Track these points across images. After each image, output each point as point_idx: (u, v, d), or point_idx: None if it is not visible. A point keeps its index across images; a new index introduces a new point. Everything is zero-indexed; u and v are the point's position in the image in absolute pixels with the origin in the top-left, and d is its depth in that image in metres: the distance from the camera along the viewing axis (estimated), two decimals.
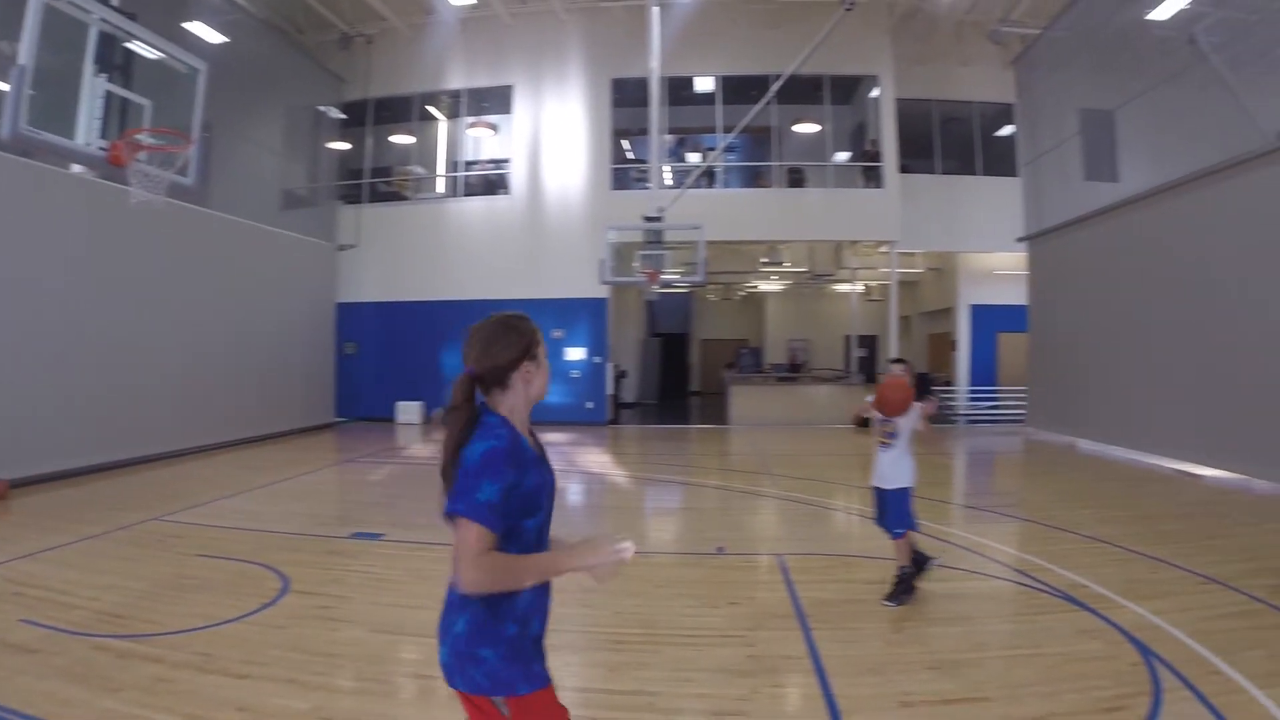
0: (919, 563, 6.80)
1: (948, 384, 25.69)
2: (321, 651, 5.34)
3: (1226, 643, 5.54)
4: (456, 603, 2.48)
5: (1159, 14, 14.65)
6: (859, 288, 27.45)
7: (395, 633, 5.79)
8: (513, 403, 2.56)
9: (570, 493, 12.46)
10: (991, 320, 24.85)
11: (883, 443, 6.85)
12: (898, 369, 7.14)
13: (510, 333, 2.57)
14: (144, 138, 10.33)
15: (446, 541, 7.60)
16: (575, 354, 21.96)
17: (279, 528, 9.10)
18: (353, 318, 22.39)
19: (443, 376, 21.79)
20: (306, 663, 5.15)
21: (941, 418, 24.15)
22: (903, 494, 6.71)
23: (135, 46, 10.65)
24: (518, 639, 2.49)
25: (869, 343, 28.92)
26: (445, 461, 2.40)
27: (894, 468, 6.74)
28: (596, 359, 21.94)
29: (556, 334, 21.83)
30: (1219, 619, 6.12)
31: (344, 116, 22.95)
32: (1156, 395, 14.64)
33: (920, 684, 4.95)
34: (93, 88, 9.78)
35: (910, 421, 6.79)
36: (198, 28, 16.29)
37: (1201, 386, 13.38)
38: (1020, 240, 20.78)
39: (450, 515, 2.31)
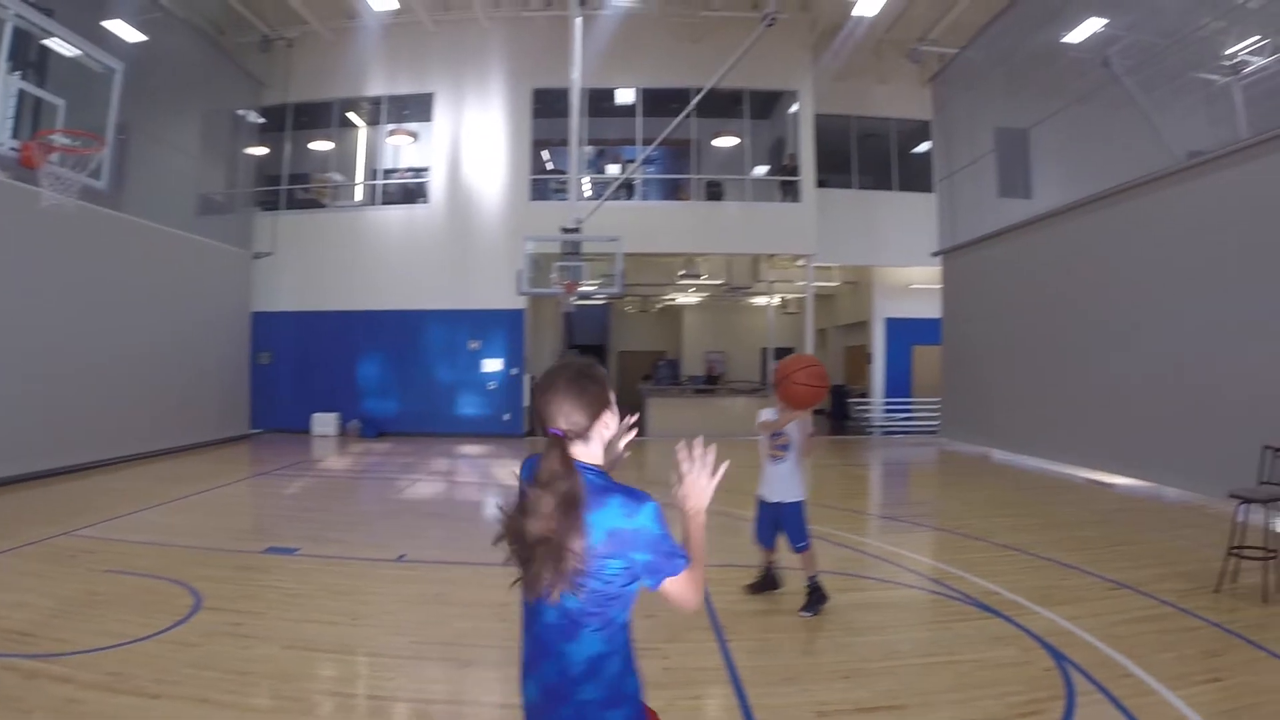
0: (771, 584, 7.12)
1: (863, 396, 26.55)
2: (235, 670, 5.32)
3: (1138, 646, 5.82)
4: (583, 674, 2.36)
5: (1074, 37, 15.48)
6: (776, 300, 28.12)
7: (309, 649, 5.76)
8: (595, 452, 2.48)
9: (488, 507, 12.61)
10: (906, 333, 25.82)
11: (775, 455, 6.86)
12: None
13: (591, 384, 2.47)
14: (57, 138, 10.30)
15: (359, 556, 8.13)
16: (492, 365, 22.21)
17: (192, 542, 9.02)
18: (268, 327, 22.30)
19: (359, 388, 22.19)
20: (220, 681, 5.13)
21: (857, 428, 24.96)
22: (799, 507, 6.79)
23: (52, 43, 10.62)
24: (639, 692, 2.50)
25: (786, 355, 29.28)
26: (561, 532, 2.25)
27: (789, 481, 6.80)
28: (514, 371, 22.22)
29: (473, 345, 22.15)
30: (1130, 623, 6.42)
31: (263, 121, 22.95)
32: (1068, 406, 15.28)
33: (836, 693, 5.10)
34: (4, 86, 9.76)
35: (803, 431, 6.83)
36: (117, 25, 16.24)
37: (1112, 398, 14.00)
38: (935, 255, 21.55)
39: (673, 576, 2.38)
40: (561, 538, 2.24)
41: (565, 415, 2.41)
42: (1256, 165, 10.98)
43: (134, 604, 6.70)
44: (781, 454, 6.86)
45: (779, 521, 6.87)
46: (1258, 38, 12.14)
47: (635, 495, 2.35)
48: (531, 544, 2.26)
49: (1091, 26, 15.15)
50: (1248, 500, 7.25)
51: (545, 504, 2.26)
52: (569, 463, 2.32)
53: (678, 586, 2.39)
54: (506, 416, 22.25)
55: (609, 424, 2.49)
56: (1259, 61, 12.16)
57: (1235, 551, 7.29)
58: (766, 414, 6.87)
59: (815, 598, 6.69)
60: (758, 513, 7.03)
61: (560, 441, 2.36)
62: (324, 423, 21.94)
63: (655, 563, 2.34)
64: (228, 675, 5.23)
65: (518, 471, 2.61)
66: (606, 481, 2.39)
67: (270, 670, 5.34)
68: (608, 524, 2.29)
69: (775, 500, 6.86)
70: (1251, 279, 10.92)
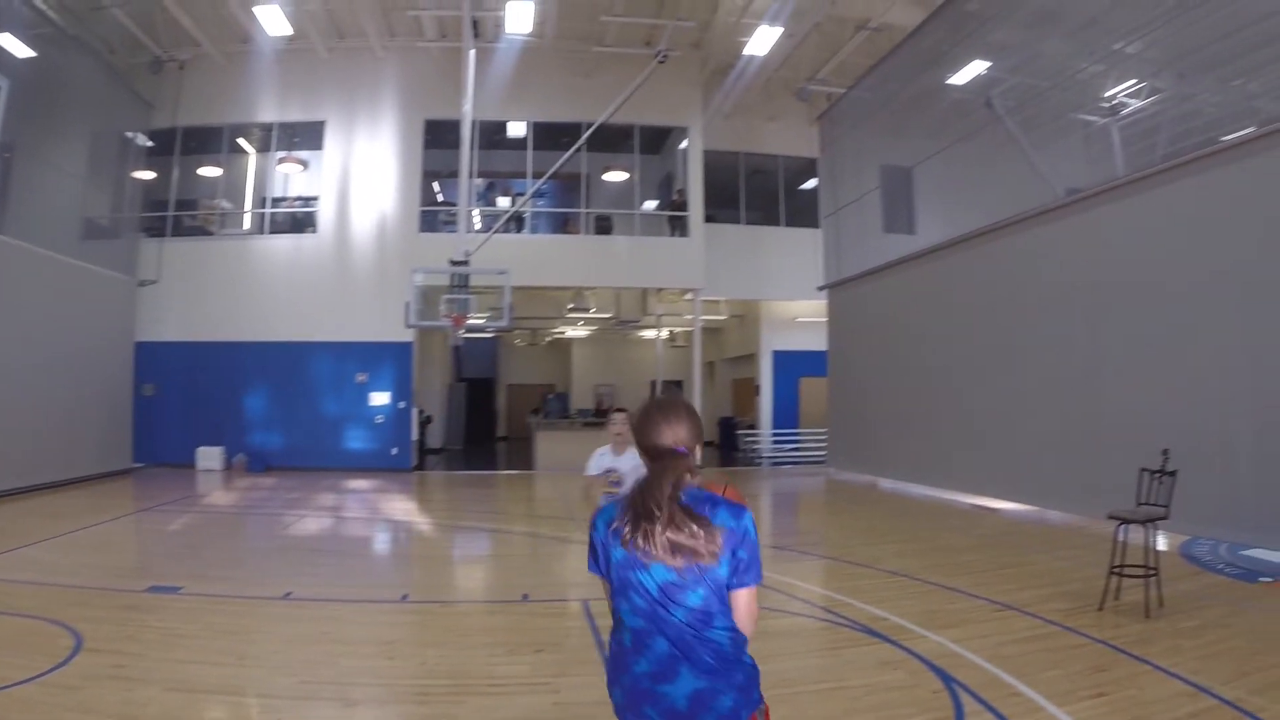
0: None
1: (751, 427, 27.51)
2: (117, 713, 5.21)
3: (1024, 665, 6.05)
4: (733, 657, 2.70)
5: (958, 78, 16.58)
6: (664, 334, 29.05)
7: (194, 690, 5.66)
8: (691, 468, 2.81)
9: (376, 542, 12.99)
10: (793, 365, 26.93)
11: (609, 492, 6.70)
12: (620, 417, 6.86)
13: (694, 413, 2.89)
14: None
15: (245, 594, 8.83)
16: (380, 399, 22.51)
17: (71, 581, 8.81)
18: (152, 357, 22.05)
19: (246, 421, 22.26)
20: None
21: (746, 459, 25.80)
22: None
23: None
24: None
25: (674, 388, 30.34)
26: (699, 531, 2.58)
27: None
28: (401, 404, 22.57)
29: (361, 378, 22.49)
30: (1016, 643, 6.68)
31: (150, 144, 22.74)
32: (952, 435, 16.12)
33: None
34: None
35: (636, 467, 7.17)
36: (6, 39, 16.19)
37: (995, 426, 14.82)
38: (820, 289, 22.66)
39: (751, 586, 2.68)
40: (698, 536, 2.57)
41: (685, 439, 2.78)
42: (1133, 201, 11.92)
43: (11, 646, 6.51)
44: (615, 490, 6.90)
45: None
46: (1134, 81, 13.26)
47: (737, 504, 2.73)
48: (672, 547, 2.58)
49: (975, 69, 16.21)
50: (1126, 521, 7.60)
51: (678, 509, 2.62)
52: (693, 472, 2.76)
53: (749, 598, 2.68)
54: (394, 450, 22.53)
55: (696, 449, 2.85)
56: (1136, 104, 13.32)
57: (1117, 570, 7.64)
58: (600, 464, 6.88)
59: None
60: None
61: (685, 458, 2.75)
62: (209, 457, 21.72)
63: (748, 563, 2.65)
64: (110, 719, 5.16)
65: (592, 521, 2.83)
66: (708, 493, 2.76)
67: (154, 713, 5.25)
68: (722, 523, 2.64)
69: None
70: (1128, 310, 11.86)
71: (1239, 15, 11.16)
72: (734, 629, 2.68)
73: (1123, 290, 12.00)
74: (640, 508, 2.63)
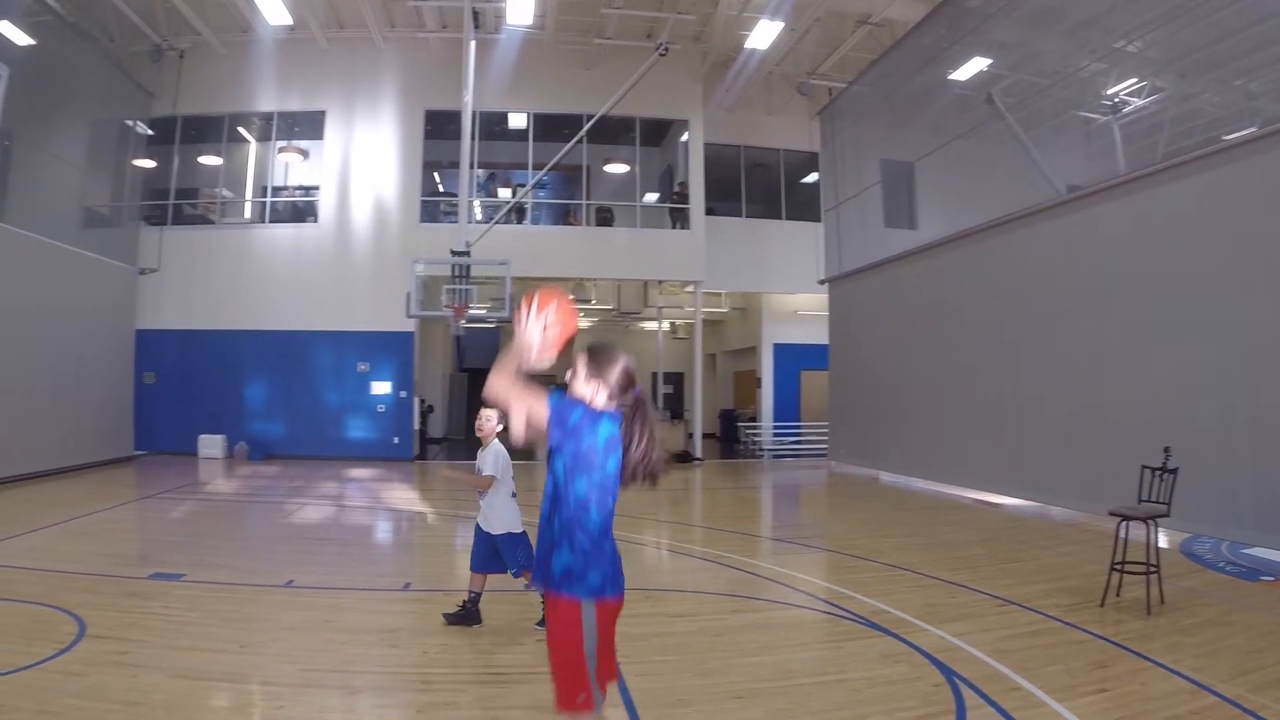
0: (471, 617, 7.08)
1: (753, 420, 27.53)
2: (122, 700, 5.16)
3: (1025, 660, 6.07)
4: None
5: (959, 74, 16.65)
6: (665, 326, 29.08)
7: (197, 678, 5.64)
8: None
9: (378, 531, 12.89)
10: (794, 358, 27.00)
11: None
12: (491, 413, 6.94)
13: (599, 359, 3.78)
14: None
15: (247, 582, 9.06)
16: (381, 388, 22.60)
17: (74, 568, 8.80)
18: (153, 346, 22.16)
19: (247, 409, 22.32)
20: (106, 712, 4.99)
21: (747, 452, 25.81)
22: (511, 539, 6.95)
23: None
24: None
25: (675, 380, 30.60)
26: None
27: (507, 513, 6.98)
28: (403, 394, 22.63)
29: (362, 368, 22.57)
30: (1017, 638, 6.68)
31: (151, 133, 22.76)
32: (954, 429, 16.23)
33: (728, 714, 5.17)
34: None
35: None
36: (5, 27, 16.21)
37: (997, 421, 14.91)
38: (821, 282, 22.78)
39: None
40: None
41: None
42: (1135, 199, 12.01)
43: (15, 632, 6.52)
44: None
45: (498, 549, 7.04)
46: (1135, 80, 13.30)
47: None
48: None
49: (976, 66, 16.27)
50: (1128, 518, 7.57)
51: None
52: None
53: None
54: (396, 440, 22.59)
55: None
56: (1137, 102, 13.35)
57: (1118, 567, 7.64)
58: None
59: (464, 616, 7.01)
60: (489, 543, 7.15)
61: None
62: (210, 445, 21.81)
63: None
64: (115, 706, 5.09)
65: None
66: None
67: (158, 700, 5.22)
68: None
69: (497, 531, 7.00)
70: (1130, 306, 11.95)
71: (1239, 16, 11.21)
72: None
73: (1124, 287, 12.07)
74: None
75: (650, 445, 3.65)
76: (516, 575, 6.93)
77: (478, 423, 7.05)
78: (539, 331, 3.69)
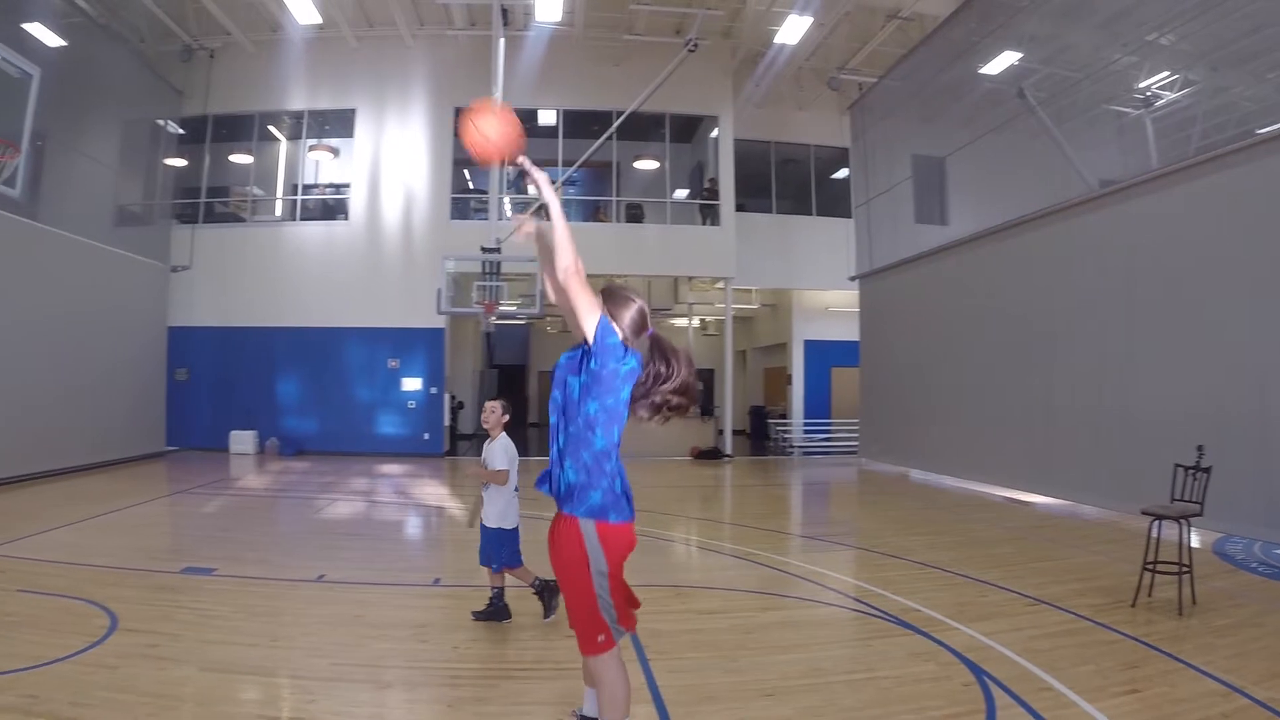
0: (501, 612, 7.01)
1: (783, 417, 27.46)
2: (153, 692, 5.20)
3: (1056, 660, 5.98)
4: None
5: (990, 69, 16.50)
6: (696, 322, 29.09)
7: (229, 671, 5.67)
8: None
9: (408, 526, 12.97)
10: (825, 355, 26.95)
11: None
12: (496, 405, 7.11)
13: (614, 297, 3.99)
14: None
15: (278, 576, 9.03)
16: (412, 384, 22.70)
17: (106, 562, 8.88)
18: (185, 342, 22.36)
19: (278, 405, 22.52)
20: (137, 704, 5.00)
21: (777, 449, 25.73)
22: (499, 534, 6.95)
23: None
24: None
25: (705, 376, 30.15)
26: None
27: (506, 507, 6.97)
28: (433, 390, 22.74)
29: (393, 364, 22.66)
30: (1048, 637, 6.59)
31: (182, 132, 23.02)
32: (985, 427, 16.09)
33: (757, 711, 5.14)
34: None
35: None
36: (37, 29, 16.30)
37: (1028, 418, 14.75)
38: (853, 279, 22.60)
39: None
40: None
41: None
42: (1168, 194, 11.83)
43: (47, 625, 6.61)
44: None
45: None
46: (1167, 73, 13.20)
47: None
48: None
49: (1007, 59, 16.11)
50: (1160, 517, 7.47)
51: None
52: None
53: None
54: (426, 436, 22.71)
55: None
56: (1170, 96, 13.25)
57: (1150, 567, 7.53)
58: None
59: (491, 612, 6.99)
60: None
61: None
62: (242, 440, 22.01)
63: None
64: (146, 698, 5.12)
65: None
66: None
67: (189, 693, 5.27)
68: None
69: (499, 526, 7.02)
70: (1163, 302, 11.79)
71: (1271, 8, 11.08)
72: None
73: (1157, 282, 11.91)
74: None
75: (678, 371, 3.92)
76: (496, 571, 6.94)
77: (483, 415, 7.09)
78: (503, 127, 3.80)
